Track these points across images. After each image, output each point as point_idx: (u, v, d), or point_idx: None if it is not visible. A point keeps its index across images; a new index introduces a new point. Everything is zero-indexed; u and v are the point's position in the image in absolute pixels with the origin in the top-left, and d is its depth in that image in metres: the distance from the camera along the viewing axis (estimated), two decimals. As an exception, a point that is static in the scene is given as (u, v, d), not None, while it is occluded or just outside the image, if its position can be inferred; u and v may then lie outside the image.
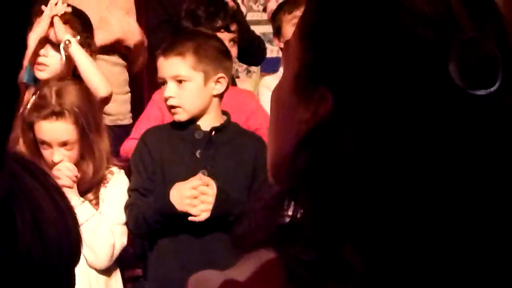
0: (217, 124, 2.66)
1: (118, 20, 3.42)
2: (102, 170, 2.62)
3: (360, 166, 0.73)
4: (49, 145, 2.56)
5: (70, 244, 0.83)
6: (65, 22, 2.98)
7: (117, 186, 2.66)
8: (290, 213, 0.78)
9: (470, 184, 0.72)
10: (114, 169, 2.69)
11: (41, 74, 2.97)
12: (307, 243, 0.73)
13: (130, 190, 2.67)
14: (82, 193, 2.61)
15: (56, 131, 2.54)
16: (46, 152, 2.57)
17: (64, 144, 2.55)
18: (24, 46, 0.49)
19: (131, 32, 3.47)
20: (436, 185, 0.72)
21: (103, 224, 2.58)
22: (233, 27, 3.32)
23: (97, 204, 2.62)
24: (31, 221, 0.78)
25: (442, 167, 0.72)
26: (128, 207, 2.64)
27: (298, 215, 0.76)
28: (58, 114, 2.54)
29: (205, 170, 2.60)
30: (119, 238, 2.64)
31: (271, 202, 0.78)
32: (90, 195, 2.60)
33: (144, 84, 4.33)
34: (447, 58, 0.71)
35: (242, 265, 0.76)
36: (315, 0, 0.81)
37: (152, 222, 2.58)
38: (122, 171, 2.71)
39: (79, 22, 3.02)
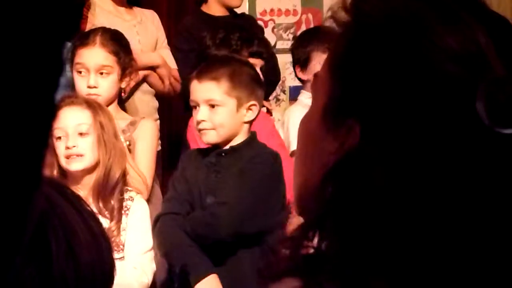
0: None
1: (149, 54, 3.44)
2: (115, 173, 2.62)
3: (388, 198, 0.73)
4: (65, 133, 2.58)
5: (103, 268, 0.84)
6: (109, 51, 3.00)
7: (138, 214, 2.67)
8: (315, 243, 0.78)
9: (500, 219, 0.73)
10: (133, 194, 2.71)
11: None
12: (332, 274, 0.74)
13: (163, 202, 2.74)
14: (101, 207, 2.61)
15: (74, 115, 2.60)
16: (59, 143, 2.59)
17: (80, 133, 2.59)
18: (61, 65, 0.50)
19: (164, 65, 3.50)
20: (465, 218, 0.72)
21: (130, 270, 2.59)
22: (265, 55, 3.34)
23: (118, 233, 2.62)
24: (65, 245, 0.80)
25: (470, 201, 0.72)
26: (156, 221, 2.66)
27: (323, 246, 0.77)
28: (77, 103, 2.61)
29: (212, 196, 2.62)
30: (149, 265, 2.65)
31: (297, 232, 0.79)
32: (112, 224, 2.61)
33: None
34: (475, 96, 0.72)
35: (268, 293, 0.77)
36: (345, 34, 0.82)
37: (172, 261, 2.64)
38: (142, 198, 2.73)
39: (119, 46, 3.05)
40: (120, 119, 2.97)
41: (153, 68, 3.49)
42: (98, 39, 3.00)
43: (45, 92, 0.49)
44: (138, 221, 2.65)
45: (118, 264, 2.55)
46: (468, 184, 0.73)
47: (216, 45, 3.29)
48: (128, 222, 2.64)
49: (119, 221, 2.61)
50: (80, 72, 2.98)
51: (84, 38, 3.02)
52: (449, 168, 0.73)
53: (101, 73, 2.97)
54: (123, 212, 2.64)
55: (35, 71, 0.48)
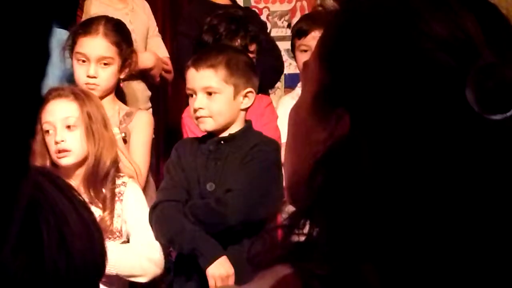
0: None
1: (141, 58, 3.42)
2: (106, 163, 2.61)
3: (377, 186, 0.74)
4: (54, 127, 2.57)
5: (95, 257, 0.84)
6: (112, 42, 2.96)
7: (133, 197, 2.65)
8: (305, 231, 0.79)
9: (486, 205, 0.73)
10: (125, 179, 2.69)
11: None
12: (323, 260, 0.75)
13: (159, 190, 2.74)
14: (93, 195, 2.60)
15: (62, 108, 2.58)
16: (49, 137, 2.58)
17: (68, 125, 2.57)
18: (47, 55, 0.50)
19: (155, 65, 3.49)
20: (454, 206, 0.73)
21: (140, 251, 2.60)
22: (252, 48, 3.29)
23: (111, 223, 2.61)
24: (57, 233, 0.80)
25: (457, 189, 0.73)
26: (154, 208, 2.66)
27: (314, 234, 0.78)
28: (63, 95, 2.59)
29: (212, 183, 2.62)
30: (155, 241, 2.67)
31: (288, 220, 0.80)
32: (105, 214, 2.61)
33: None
34: (464, 83, 0.72)
35: (258, 280, 0.77)
36: (334, 23, 0.82)
37: (177, 247, 2.63)
38: (134, 182, 2.72)
39: (122, 37, 3.01)
40: (117, 109, 2.97)
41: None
42: (101, 28, 2.95)
43: (32, 79, 0.49)
44: (134, 203, 2.64)
45: (122, 246, 2.58)
46: (457, 171, 0.73)
47: (204, 32, 3.29)
48: (123, 207, 2.64)
49: (111, 210, 2.60)
50: (81, 61, 2.96)
51: (86, 27, 2.98)
52: (438, 156, 0.73)
53: (102, 64, 2.95)
54: (116, 198, 2.63)
55: (21, 58, 0.48)
